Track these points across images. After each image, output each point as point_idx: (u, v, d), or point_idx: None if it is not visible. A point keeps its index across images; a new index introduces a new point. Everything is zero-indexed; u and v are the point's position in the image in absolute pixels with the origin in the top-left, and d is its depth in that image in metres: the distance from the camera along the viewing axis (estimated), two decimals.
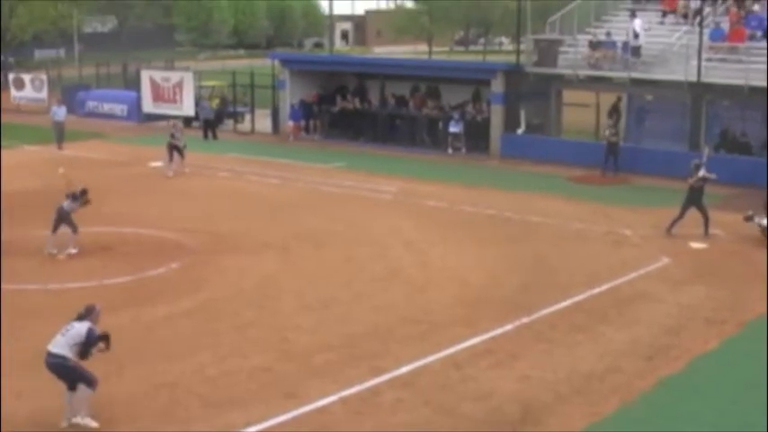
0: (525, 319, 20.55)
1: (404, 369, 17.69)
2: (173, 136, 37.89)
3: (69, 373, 15.16)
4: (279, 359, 18.21)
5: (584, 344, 19.20)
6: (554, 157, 39.87)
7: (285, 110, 49.64)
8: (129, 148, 45.23)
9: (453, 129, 43.35)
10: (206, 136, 48.61)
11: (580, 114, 43.21)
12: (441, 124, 44.60)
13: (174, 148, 37.72)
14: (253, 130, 51.59)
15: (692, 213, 27.83)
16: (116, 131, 51.80)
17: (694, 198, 27.81)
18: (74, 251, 25.62)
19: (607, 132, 38.12)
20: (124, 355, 18.14)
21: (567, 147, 40.32)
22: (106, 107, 57.61)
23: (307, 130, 49.53)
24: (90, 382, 15.18)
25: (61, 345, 15.08)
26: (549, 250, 26.35)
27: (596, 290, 22.79)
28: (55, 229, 25.76)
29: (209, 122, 49.42)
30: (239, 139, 49.23)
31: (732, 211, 30.24)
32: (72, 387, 15.24)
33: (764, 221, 26.80)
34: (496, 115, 42.62)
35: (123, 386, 16.80)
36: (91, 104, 58.21)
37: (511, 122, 42.38)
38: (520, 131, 42.31)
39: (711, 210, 28.36)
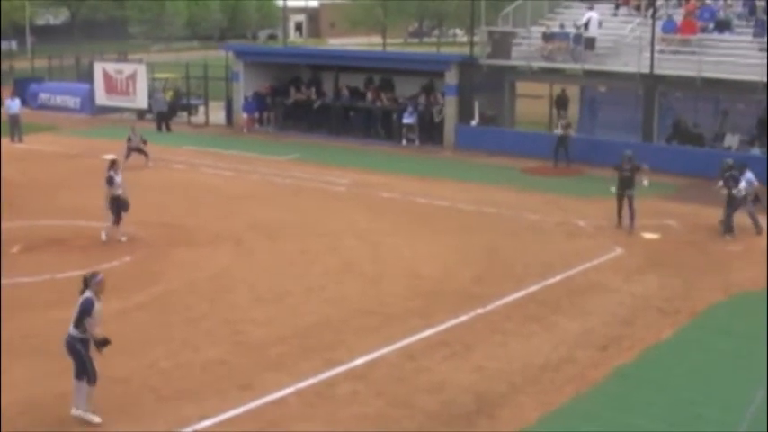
0: (480, 311, 20.57)
1: (358, 361, 17.66)
2: (129, 139, 37.81)
3: (75, 355, 15.05)
4: (233, 352, 18.12)
5: (539, 334, 19.26)
6: (508, 148, 39.97)
7: (239, 102, 49.45)
8: (83, 141, 44.84)
9: (407, 120, 43.34)
10: (159, 128, 48.35)
11: (533, 106, 43.36)
12: (395, 116, 44.58)
13: (136, 151, 37.56)
14: (207, 123, 51.35)
15: (645, 203, 27.98)
16: (69, 124, 51.38)
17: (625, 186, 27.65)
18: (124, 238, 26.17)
19: (559, 126, 38.24)
20: None
21: (521, 138, 40.45)
22: (59, 100, 57.10)
23: (261, 122, 49.38)
24: (89, 377, 15.00)
25: (72, 323, 15.05)
26: (503, 241, 26.40)
27: (550, 280, 22.87)
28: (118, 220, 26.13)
29: (163, 115, 49.15)
30: (193, 132, 49.00)
31: (684, 201, 30.44)
32: (77, 375, 15.12)
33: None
34: (450, 107, 42.66)
35: None
36: (44, 97, 57.66)
37: (465, 114, 42.44)
38: (474, 123, 42.37)
39: (664, 200, 28.50)
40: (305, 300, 21.42)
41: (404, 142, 43.24)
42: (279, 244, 26.06)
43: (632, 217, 27.56)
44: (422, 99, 44.57)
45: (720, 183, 27.10)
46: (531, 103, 43.39)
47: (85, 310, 14.84)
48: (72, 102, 56.56)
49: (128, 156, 37.05)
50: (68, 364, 17.20)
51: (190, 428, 14.75)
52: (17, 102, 45.82)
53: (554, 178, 35.55)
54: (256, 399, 15.92)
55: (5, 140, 44.23)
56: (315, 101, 47.81)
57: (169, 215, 29.18)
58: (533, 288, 22.27)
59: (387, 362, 17.71)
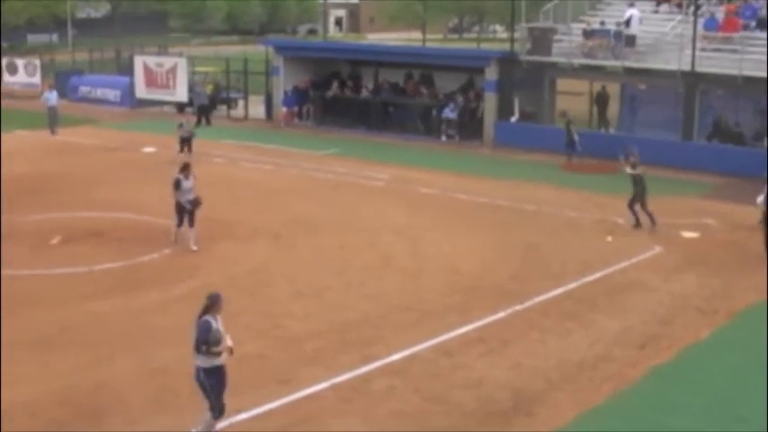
0: (517, 307, 20.56)
1: (395, 357, 17.69)
2: (181, 125, 37.98)
3: (200, 385, 14.12)
4: (271, 346, 18.21)
5: (576, 332, 19.22)
6: (547, 145, 39.81)
7: (278, 96, 49.56)
8: (122, 134, 45.14)
9: (447, 116, 43.32)
10: (200, 122, 48.54)
11: (573, 103, 43.18)
12: (434, 112, 44.56)
13: (185, 141, 37.44)
14: (246, 117, 51.51)
15: (684, 202, 27.83)
16: (109, 117, 51.69)
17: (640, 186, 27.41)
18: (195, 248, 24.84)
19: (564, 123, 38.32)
20: (115, 342, 18.22)
21: (560, 135, 40.25)
22: (99, 92, 57.48)
23: (300, 116, 49.47)
24: (212, 408, 14.11)
25: (193, 352, 14.07)
26: (541, 238, 26.35)
27: (588, 278, 22.81)
28: (181, 222, 25.20)
29: (204, 108, 49.31)
30: (233, 126, 49.16)
31: (724, 200, 30.26)
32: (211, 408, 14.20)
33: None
34: (490, 103, 42.59)
35: (114, 373, 16.79)
36: (84, 90, 58.06)
37: (504, 110, 42.36)
38: (513, 119, 42.29)
39: (703, 199, 28.32)
40: (343, 295, 21.48)
41: (443, 138, 43.21)
42: (317, 239, 26.13)
43: (648, 214, 27.30)
44: (461, 95, 44.53)
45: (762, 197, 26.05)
46: (571, 100, 43.19)
47: (201, 335, 13.88)
48: (112, 95, 56.89)
49: (181, 148, 37.10)
50: (106, 354, 17.45)
51: (226, 422, 14.81)
52: (55, 94, 46.14)
53: (593, 176, 35.38)
54: (293, 393, 16.00)
55: (44, 132, 44.59)
56: (355, 96, 47.89)
57: (208, 209, 29.13)
58: (571, 285, 22.22)
59: (424, 358, 17.74)
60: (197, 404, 15.40)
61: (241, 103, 52.82)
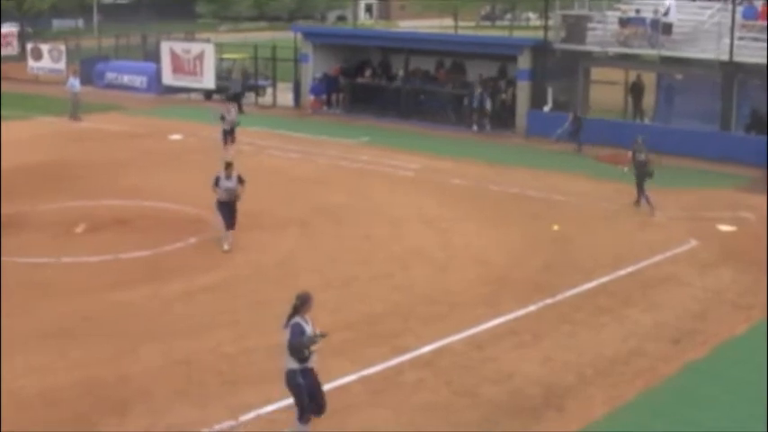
0: (549, 300, 20.55)
1: (425, 349, 17.71)
2: (223, 118, 36.72)
3: (294, 389, 13.76)
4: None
5: (609, 326, 19.19)
6: (580, 135, 39.64)
7: (307, 84, 49.60)
8: (149, 121, 45.31)
9: (478, 105, 43.23)
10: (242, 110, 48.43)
11: (608, 92, 43.03)
12: (465, 100, 44.48)
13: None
14: (274, 104, 51.57)
15: (721, 194, 27.69)
16: (135, 103, 51.88)
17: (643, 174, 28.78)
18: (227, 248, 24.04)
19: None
20: (139, 332, 18.31)
21: (594, 125, 40.09)
22: (125, 79, 57.70)
23: (329, 104, 49.49)
24: (300, 411, 13.82)
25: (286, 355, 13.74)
26: (574, 230, 26.29)
27: (622, 272, 22.74)
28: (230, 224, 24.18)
29: (237, 96, 49.17)
30: (261, 113, 49.20)
31: (762, 193, 30.09)
32: (300, 417, 13.89)
33: None
34: (522, 92, 42.50)
35: (138, 363, 16.90)
36: (110, 76, 58.30)
37: (537, 100, 42.25)
38: (546, 109, 42.17)
39: (741, 192, 28.16)
40: (372, 286, 21.51)
41: (474, 127, 43.12)
42: (345, 229, 26.16)
43: (648, 201, 28.45)
44: (494, 84, 44.45)
45: None
46: (606, 90, 43.06)
47: (294, 337, 13.51)
48: (138, 81, 57.10)
49: (225, 140, 36.32)
50: (131, 345, 17.53)
51: (253, 413, 14.91)
52: (78, 80, 46.29)
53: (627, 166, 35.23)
54: (321, 385, 16.00)
55: (64, 119, 44.77)
56: (385, 84, 47.86)
57: None
58: (604, 279, 22.17)
59: (454, 350, 17.75)
60: (223, 395, 15.50)
61: (269, 90, 52.87)
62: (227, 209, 24.07)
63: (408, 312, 19.73)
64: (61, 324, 18.70)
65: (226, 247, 23.98)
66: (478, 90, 43.54)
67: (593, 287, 21.64)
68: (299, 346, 13.48)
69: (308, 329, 13.63)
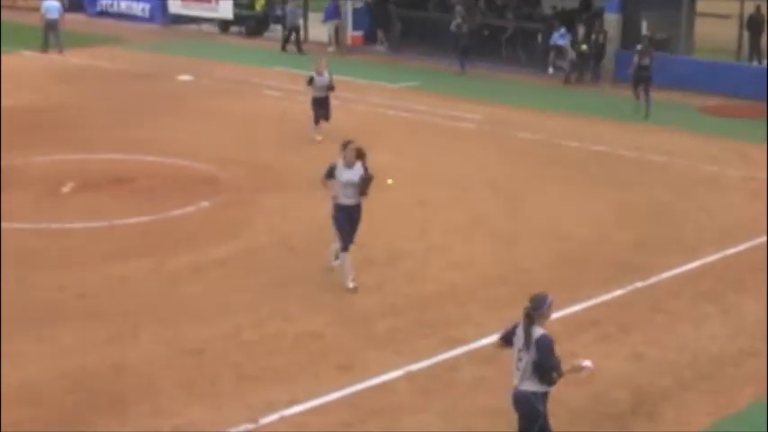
0: (639, 284, 20.47)
1: (486, 340, 17.68)
2: (311, 81, 31.47)
3: (528, 413, 13.07)
4: (333, 324, 18.34)
5: (714, 318, 19.10)
6: (682, 81, 39.42)
7: (346, 15, 49.50)
8: (152, 57, 45.46)
9: (556, 43, 43.02)
10: (285, 48, 48.26)
11: (718, 28, 42.69)
12: (540, 37, 44.28)
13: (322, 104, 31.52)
14: (305, 39, 51.38)
15: None
16: (136, 36, 52.02)
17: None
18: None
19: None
20: (141, 314, 18.42)
21: (700, 69, 39.87)
22: (123, 5, 57.87)
23: (372, 40, 49.41)
24: None
25: (522, 375, 12.95)
26: (672, 198, 26.18)
27: (731, 250, 22.61)
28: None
29: (296, 29, 49.05)
30: (288, 50, 49.17)
31: None
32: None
33: None
34: (611, 28, 42.24)
35: (139, 352, 17.01)
36: (104, 2, 58.49)
37: (629, 37, 41.94)
38: (640, 48, 41.91)
39: None
40: (423, 263, 21.50)
41: (550, 70, 42.99)
42: (392, 193, 26.05)
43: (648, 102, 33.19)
44: (575, 17, 44.24)
45: None
46: (715, 25, 42.72)
47: (550, 356, 12.70)
48: (139, 8, 57.24)
49: (317, 116, 31.31)
50: (131, 331, 17.64)
51: (276, 415, 14.97)
52: (57, 4, 46.27)
53: (739, 121, 35.05)
54: (358, 382, 16.10)
55: (53, 53, 44.96)
56: (442, 16, 47.66)
57: (257, 153, 29.43)
58: (709, 259, 22.06)
59: None
60: (240, 393, 15.59)
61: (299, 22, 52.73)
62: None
63: (467, 296, 19.73)
64: (47, 304, 18.82)
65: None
66: (556, 25, 43.35)
67: (695, 268, 21.56)
68: (556, 370, 12.78)
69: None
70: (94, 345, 17.14)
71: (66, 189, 25.59)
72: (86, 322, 18.01)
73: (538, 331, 12.71)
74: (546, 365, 12.65)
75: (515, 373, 12.87)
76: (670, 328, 18.60)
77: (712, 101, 37.35)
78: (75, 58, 44.51)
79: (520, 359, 12.79)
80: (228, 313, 18.57)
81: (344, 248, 19.86)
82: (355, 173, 19.93)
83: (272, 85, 38.96)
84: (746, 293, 20.23)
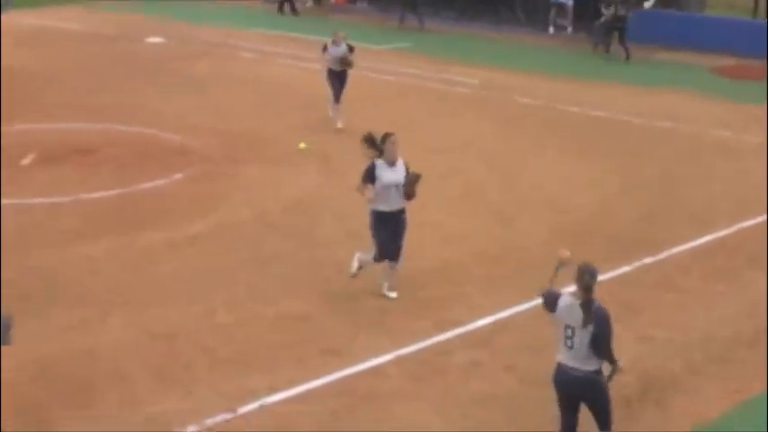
0: (648, 260, 20.53)
1: (481, 322, 17.73)
2: (324, 49, 29.86)
3: (603, 395, 13.23)
4: (316, 305, 18.34)
5: (728, 296, 19.15)
6: (694, 40, 39.46)
7: None
8: (119, 18, 45.32)
9: (557, 0, 43.03)
10: (282, 9, 48.04)
11: None
12: None
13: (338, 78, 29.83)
14: None
15: None
16: None
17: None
18: None
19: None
20: (109, 296, 18.40)
21: (713, 26, 39.90)
22: None
23: None
24: (607, 423, 13.39)
25: (584, 355, 12.90)
26: (682, 167, 26.22)
27: (746, 223, 22.67)
28: None
29: None
30: (267, 9, 49.07)
31: None
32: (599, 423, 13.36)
33: None
34: None
35: (107, 337, 16.98)
36: None
37: None
38: (647, 5, 41.91)
39: None
40: (414, 238, 21.36)
41: (551, 30, 43.01)
42: None
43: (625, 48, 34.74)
44: None
45: None
46: None
47: (611, 324, 12.91)
48: None
49: (336, 93, 29.68)
50: (98, 314, 17.60)
51: (256, 403, 14.97)
52: None
53: (754, 83, 35.03)
54: (344, 368, 16.11)
55: (11, 12, 44.68)
56: None
57: (233, 121, 29.39)
58: (722, 233, 22.11)
59: (519, 325, 17.77)
60: (216, 380, 15.59)
61: None
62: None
63: (461, 273, 19.75)
64: (6, 287, 18.71)
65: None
66: None
67: (708, 243, 21.63)
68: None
69: None
70: (59, 330, 17.09)
71: (26, 161, 25.52)
72: (50, 306, 17.95)
73: (594, 303, 12.83)
74: (607, 337, 12.82)
75: (564, 352, 12.92)
76: (680, 307, 18.65)
77: (725, 61, 37.37)
78: (34, 19, 44.36)
79: (570, 336, 12.83)
80: (203, 294, 18.56)
81: (390, 259, 18.56)
82: (399, 172, 18.49)
83: (249, 48, 38.91)
84: (762, 270, 20.23)
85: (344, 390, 15.57)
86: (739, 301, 18.91)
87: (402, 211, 18.59)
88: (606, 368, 12.96)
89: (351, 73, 28.94)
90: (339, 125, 28.61)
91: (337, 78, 29.12)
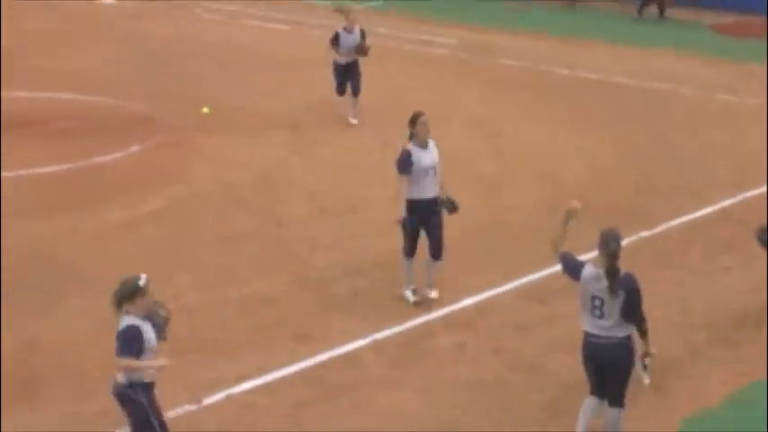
0: (645, 233, 20.55)
1: (465, 302, 17.73)
2: (335, 40, 27.21)
3: (626, 363, 13.59)
4: (286, 286, 18.37)
5: (733, 271, 19.17)
6: None
7: None
8: None
9: None
10: None
11: None
12: None
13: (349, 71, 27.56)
14: None
15: None
16: None
17: None
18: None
19: None
20: (63, 278, 18.32)
21: None
22: None
23: None
24: (622, 397, 13.74)
25: (613, 323, 13.28)
26: (680, 134, 26.23)
27: (750, 192, 22.67)
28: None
29: None
30: None
31: None
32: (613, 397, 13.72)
33: None
34: None
35: (57, 326, 17.00)
36: None
37: None
38: None
39: None
40: (388, 212, 21.34)
41: None
42: (354, 132, 26.12)
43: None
44: None
45: None
46: None
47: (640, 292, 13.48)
48: None
49: (340, 89, 27.39)
50: (49, 300, 17.53)
51: (222, 393, 15.01)
52: None
53: (758, 41, 35.04)
54: (318, 354, 16.14)
55: None
56: None
57: (194, 87, 29.29)
58: (725, 203, 22.13)
59: (506, 305, 17.82)
60: (178, 368, 15.50)
61: None
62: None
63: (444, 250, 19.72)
64: None
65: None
66: None
67: (710, 214, 21.66)
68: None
69: None
70: (5, 319, 16.94)
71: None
72: None
73: (620, 270, 13.23)
74: (639, 303, 13.45)
75: (592, 321, 13.26)
76: (681, 283, 18.68)
77: (727, 18, 37.36)
78: None
79: (599, 306, 13.22)
80: (164, 276, 18.34)
81: (433, 258, 17.97)
82: (432, 153, 18.09)
83: (212, 7, 38.74)
84: None
85: (317, 378, 15.61)
86: (744, 277, 18.91)
87: (436, 201, 17.94)
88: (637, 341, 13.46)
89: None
90: (354, 121, 26.61)
91: (347, 72, 26.44)
